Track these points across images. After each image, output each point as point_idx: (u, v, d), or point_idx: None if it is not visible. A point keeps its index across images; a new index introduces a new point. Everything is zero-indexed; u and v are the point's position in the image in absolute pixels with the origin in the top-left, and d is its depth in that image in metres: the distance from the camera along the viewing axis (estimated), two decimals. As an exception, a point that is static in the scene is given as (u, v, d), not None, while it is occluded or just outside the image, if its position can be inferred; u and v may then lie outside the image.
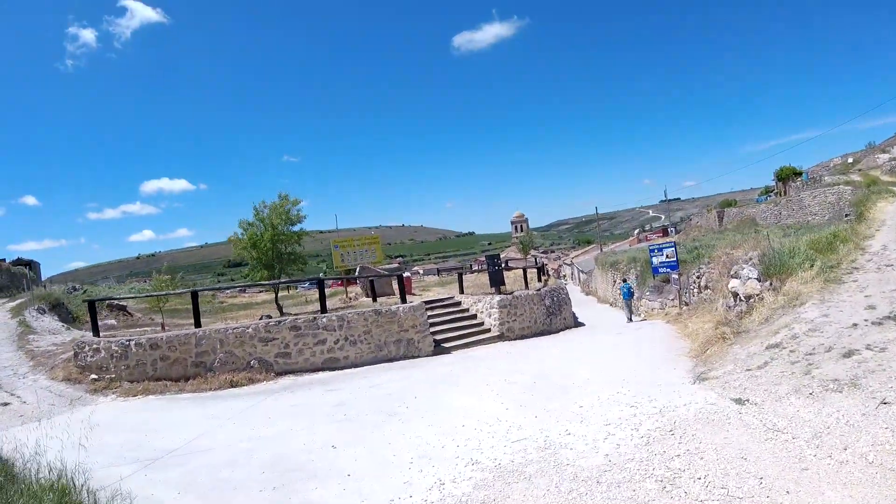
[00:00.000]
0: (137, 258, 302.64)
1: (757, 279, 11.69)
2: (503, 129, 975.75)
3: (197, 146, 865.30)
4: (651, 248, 26.06)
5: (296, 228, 20.31)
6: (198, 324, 15.10)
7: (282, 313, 19.40)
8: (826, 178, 49.77)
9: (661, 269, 24.58)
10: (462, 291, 21.69)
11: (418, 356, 16.12)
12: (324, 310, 16.14)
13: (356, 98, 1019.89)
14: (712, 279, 17.71)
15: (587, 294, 50.53)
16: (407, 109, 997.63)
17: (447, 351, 17.12)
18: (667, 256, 23.94)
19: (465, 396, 10.26)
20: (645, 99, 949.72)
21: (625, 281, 27.53)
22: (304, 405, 10.77)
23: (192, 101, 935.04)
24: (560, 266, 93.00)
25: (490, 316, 19.26)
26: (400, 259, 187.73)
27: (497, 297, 19.22)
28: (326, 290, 24.51)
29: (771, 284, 11.55)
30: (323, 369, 14.32)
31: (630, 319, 22.98)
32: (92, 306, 15.88)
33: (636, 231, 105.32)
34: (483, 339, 18.45)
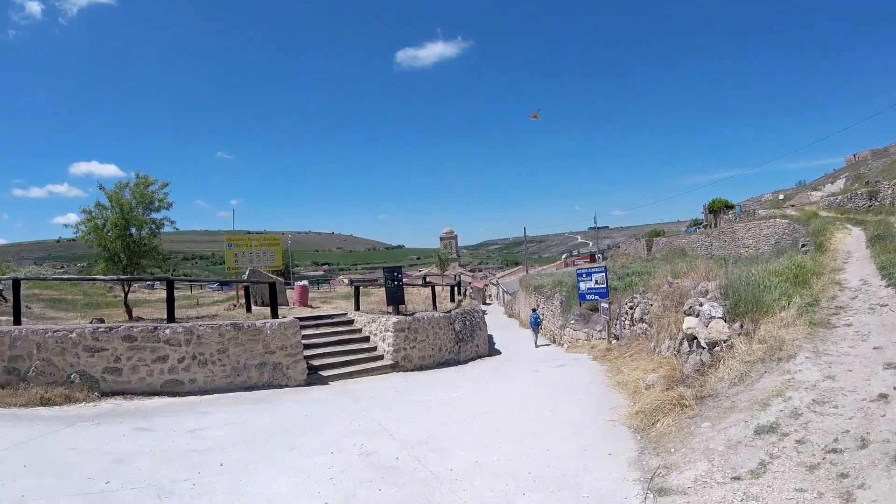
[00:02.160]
0: (58, 241, 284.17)
1: (723, 319, 8.32)
2: (440, 146, 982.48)
3: (132, 132, 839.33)
4: (579, 272, 22.93)
5: (158, 216, 15.99)
6: (17, 321, 11.77)
7: (130, 317, 15.15)
8: (760, 211, 48.77)
9: (588, 296, 21.43)
10: (358, 308, 17.85)
11: (286, 385, 12.66)
12: (171, 318, 12.54)
13: (293, 103, 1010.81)
14: (650, 312, 14.48)
15: (510, 316, 47.56)
16: (345, 118, 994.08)
17: (324, 381, 13.49)
18: (596, 282, 20.86)
19: (284, 477, 6.39)
20: (578, 129, 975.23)
21: (534, 310, 28.40)
22: (82, 452, 7.41)
23: (128, 86, 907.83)
24: (486, 286, 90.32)
25: (384, 340, 15.50)
26: (326, 266, 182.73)
27: (393, 319, 15.45)
28: (227, 293, 20.41)
29: (742, 327, 8.21)
30: (162, 393, 11.23)
31: (536, 345, 24.20)
32: None
33: (564, 255, 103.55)
34: (373, 369, 14.70)
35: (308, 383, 13.06)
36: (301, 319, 16.21)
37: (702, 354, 8.11)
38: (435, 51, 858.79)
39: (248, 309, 15.39)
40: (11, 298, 23.05)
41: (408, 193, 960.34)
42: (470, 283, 77.64)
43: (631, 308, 16.76)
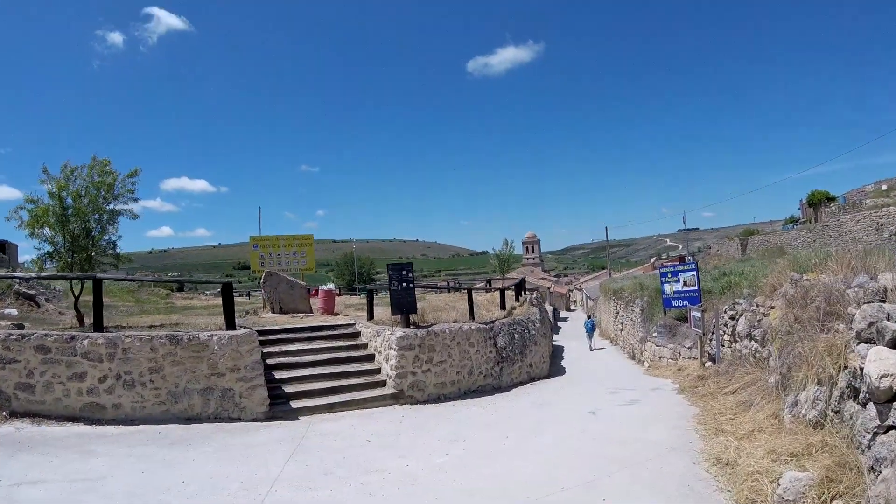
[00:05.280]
0: (150, 253, 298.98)
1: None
2: (519, 152, 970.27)
3: (217, 149, 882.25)
4: (663, 271, 17.89)
5: (118, 206, 12.56)
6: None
7: (81, 323, 11.77)
8: (867, 201, 41.81)
9: (675, 302, 16.41)
10: (371, 317, 13.72)
11: (238, 418, 9.18)
12: (98, 327, 9.47)
13: (373, 117, 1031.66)
14: (762, 324, 9.56)
15: (591, 324, 42.41)
16: (424, 130, 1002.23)
17: (293, 415, 9.57)
18: (685, 284, 15.87)
19: None
20: (663, 126, 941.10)
21: (589, 317, 32.05)
22: None
23: (213, 106, 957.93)
24: (569, 291, 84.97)
25: (388, 360, 11.27)
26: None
27: (397, 333, 11.16)
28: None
29: None
30: (80, 419, 8.47)
31: (590, 348, 26.47)
32: None
33: (652, 259, 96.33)
34: (367, 400, 10.47)
35: (270, 417, 9.42)
36: (289, 331, 12.45)
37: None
38: (506, 56, 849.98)
39: (228, 319, 11.36)
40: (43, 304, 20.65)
41: (490, 200, 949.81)
42: (550, 288, 72.51)
43: (732, 318, 11.78)
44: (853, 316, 5.42)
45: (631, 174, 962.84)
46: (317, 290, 19.57)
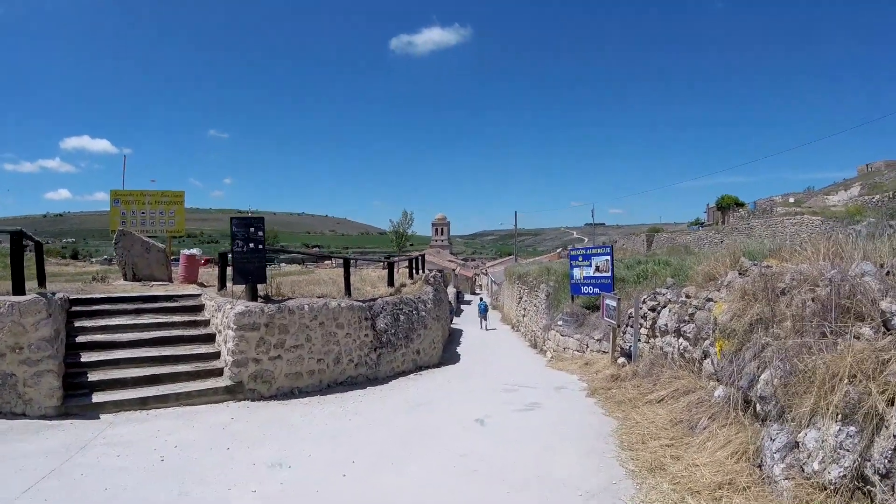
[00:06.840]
0: (45, 217, 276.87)
1: None
2: (437, 134, 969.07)
3: (122, 107, 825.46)
4: (573, 254, 16.14)
5: None
6: None
7: None
8: (779, 209, 42.41)
9: (585, 289, 14.64)
10: (223, 287, 10.96)
11: (24, 414, 6.71)
12: None
13: (286, 85, 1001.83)
14: (696, 320, 7.61)
15: (494, 308, 40.91)
16: (339, 103, 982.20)
17: (92, 412, 6.94)
18: (597, 269, 14.16)
19: None
20: (577, 127, 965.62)
21: (481, 299, 33.44)
22: None
23: (118, 57, 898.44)
24: (475, 275, 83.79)
25: (226, 343, 8.59)
26: (316, 248, 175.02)
27: (237, 308, 8.50)
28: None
29: None
30: None
31: (484, 328, 27.21)
32: None
33: (558, 249, 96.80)
34: (194, 394, 7.75)
35: (63, 413, 6.86)
36: (114, 301, 9.64)
37: None
38: (431, 37, 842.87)
39: (15, 281, 8.15)
40: None
41: (403, 180, 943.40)
42: (455, 270, 70.88)
43: (652, 310, 9.88)
44: None
45: (543, 169, 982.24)
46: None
